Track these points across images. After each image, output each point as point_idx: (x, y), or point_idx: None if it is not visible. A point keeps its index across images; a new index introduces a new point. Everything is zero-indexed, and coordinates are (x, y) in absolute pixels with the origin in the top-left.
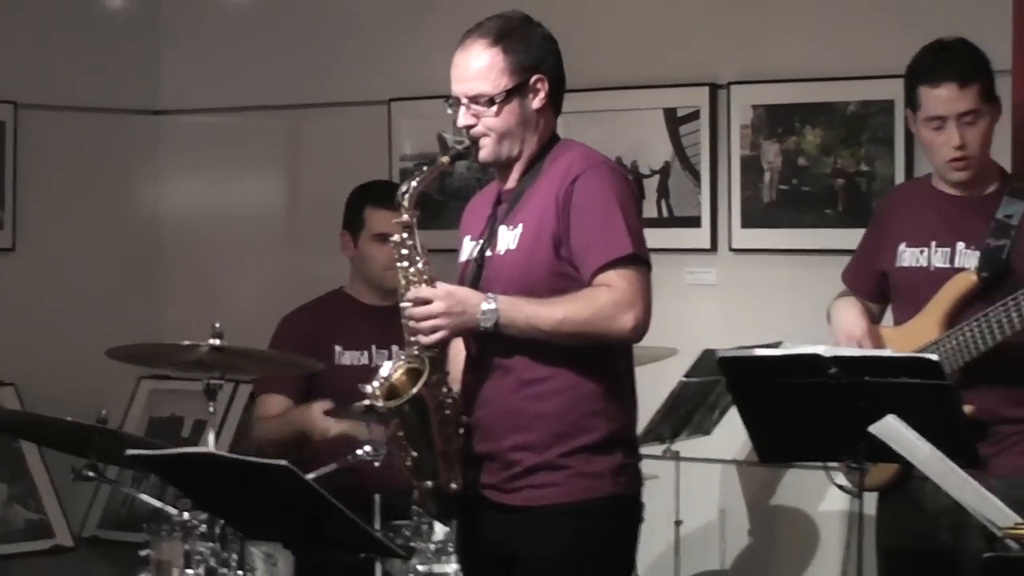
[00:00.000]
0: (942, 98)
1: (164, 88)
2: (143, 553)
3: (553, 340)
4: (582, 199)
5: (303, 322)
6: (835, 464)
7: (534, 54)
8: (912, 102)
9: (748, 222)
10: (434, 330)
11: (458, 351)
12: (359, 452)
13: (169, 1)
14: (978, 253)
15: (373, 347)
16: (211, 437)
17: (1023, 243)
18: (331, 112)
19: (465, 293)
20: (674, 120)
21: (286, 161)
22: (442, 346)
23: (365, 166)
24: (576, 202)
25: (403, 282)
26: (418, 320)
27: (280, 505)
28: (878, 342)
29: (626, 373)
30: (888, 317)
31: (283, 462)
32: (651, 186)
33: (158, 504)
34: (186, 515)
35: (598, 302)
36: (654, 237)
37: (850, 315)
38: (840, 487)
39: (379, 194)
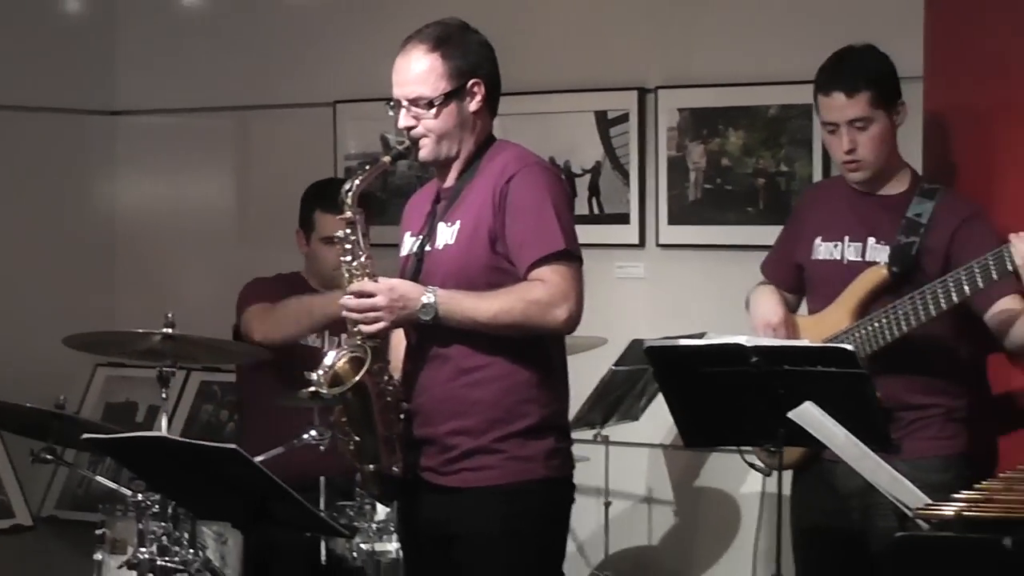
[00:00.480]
0: (832, 106)
1: (121, 90)
2: (99, 532)
3: (490, 332)
4: (517, 197)
5: (270, 284)
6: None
7: (471, 59)
8: (816, 108)
9: (674, 219)
10: (376, 321)
11: (399, 341)
12: (305, 436)
13: (125, 7)
14: (888, 248)
15: (327, 332)
16: (164, 422)
17: (931, 241)
18: (279, 113)
19: (406, 287)
20: (604, 122)
21: (236, 159)
22: (383, 337)
23: (311, 165)
24: (511, 200)
25: (346, 275)
26: (361, 312)
27: (229, 486)
28: (793, 330)
29: (559, 362)
30: (804, 308)
31: (232, 446)
32: (582, 185)
33: (113, 485)
34: (140, 496)
35: (532, 296)
36: (585, 233)
37: (768, 303)
38: (751, 465)
39: (330, 199)
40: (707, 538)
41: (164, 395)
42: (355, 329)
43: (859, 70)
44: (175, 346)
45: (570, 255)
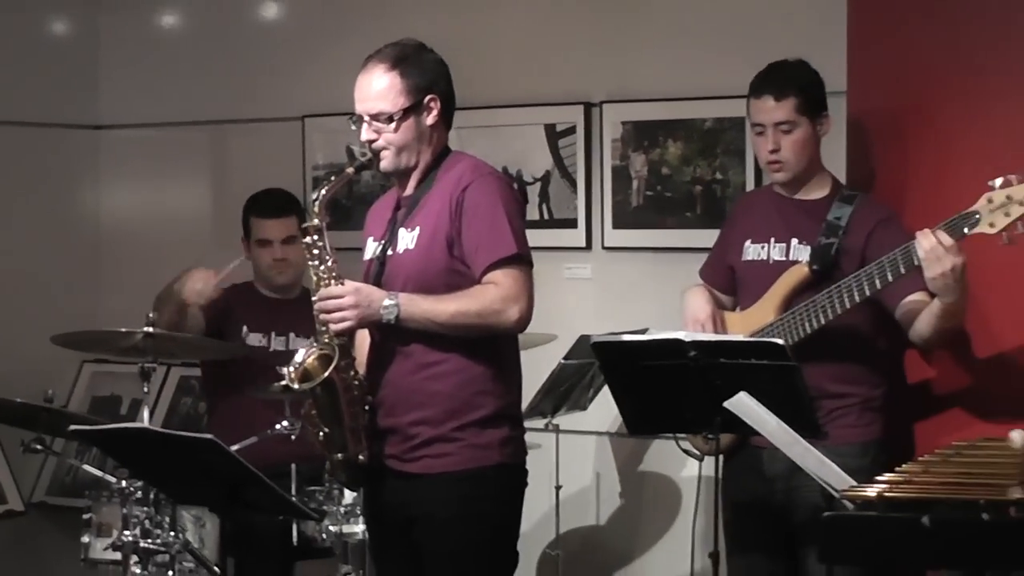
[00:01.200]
0: (762, 108)
1: (103, 106)
2: (86, 516)
3: (447, 332)
4: (472, 205)
5: (221, 298)
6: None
7: (427, 77)
8: (747, 112)
9: (618, 223)
10: (342, 321)
11: (363, 339)
12: (277, 427)
13: (107, 29)
14: (810, 248)
15: (273, 333)
16: (145, 414)
17: (848, 242)
18: (252, 127)
19: (370, 290)
20: (553, 134)
21: (212, 170)
22: (349, 335)
23: (282, 175)
24: (467, 207)
25: (315, 279)
26: (329, 312)
27: (207, 474)
28: (721, 325)
29: (512, 357)
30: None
31: (209, 436)
32: (533, 192)
33: (99, 473)
34: (124, 483)
35: (487, 298)
36: (536, 237)
37: (697, 301)
38: (686, 451)
39: (260, 206)
40: (650, 518)
41: (146, 389)
42: (323, 328)
43: (789, 78)
44: (155, 343)
45: (521, 259)
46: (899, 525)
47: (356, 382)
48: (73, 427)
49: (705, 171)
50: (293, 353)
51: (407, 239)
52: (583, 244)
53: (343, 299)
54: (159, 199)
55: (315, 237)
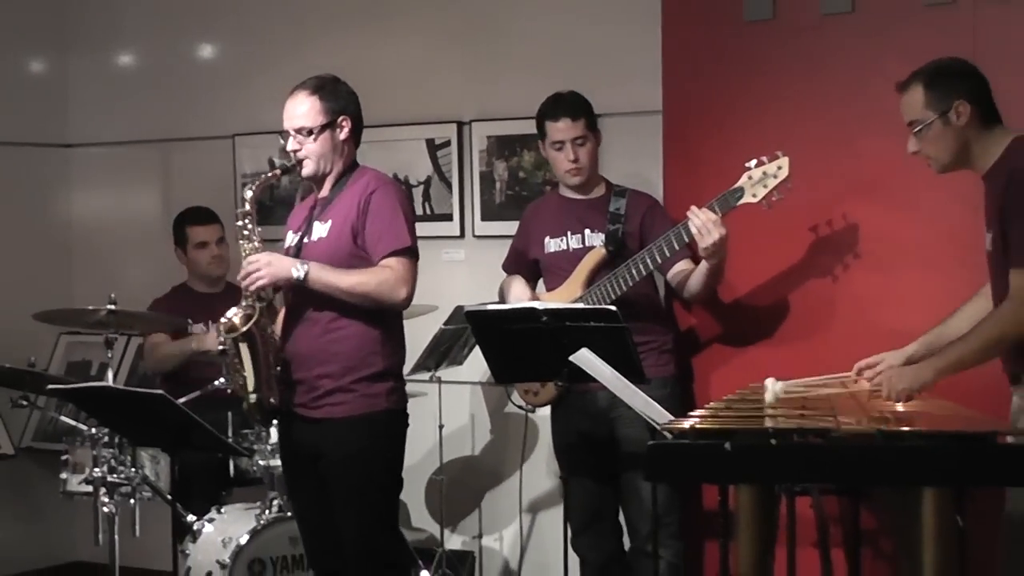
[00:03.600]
0: (561, 128)
1: (72, 127)
2: (64, 458)
3: (347, 299)
4: (376, 205)
5: (166, 300)
6: (512, 390)
7: (341, 102)
8: (541, 133)
9: (486, 217)
10: (258, 280)
11: (283, 315)
12: (216, 383)
13: (75, 64)
14: (602, 235)
15: (211, 322)
16: (110, 375)
17: (629, 226)
18: (192, 144)
19: (281, 256)
20: (433, 147)
21: (162, 180)
22: (268, 298)
23: (217, 183)
24: (372, 208)
25: (244, 254)
26: (248, 275)
27: (159, 421)
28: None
29: (397, 326)
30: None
31: (160, 392)
32: (418, 193)
33: (74, 423)
34: (93, 430)
35: (382, 277)
36: (420, 229)
37: (518, 288)
38: (518, 406)
39: (194, 217)
40: (513, 449)
41: (110, 355)
42: (247, 292)
43: (577, 103)
44: (117, 319)
45: (411, 251)
46: (707, 450)
47: (272, 340)
48: (51, 386)
49: (552, 175)
50: None
51: (321, 230)
52: (458, 233)
53: (259, 260)
54: (118, 203)
55: (245, 221)
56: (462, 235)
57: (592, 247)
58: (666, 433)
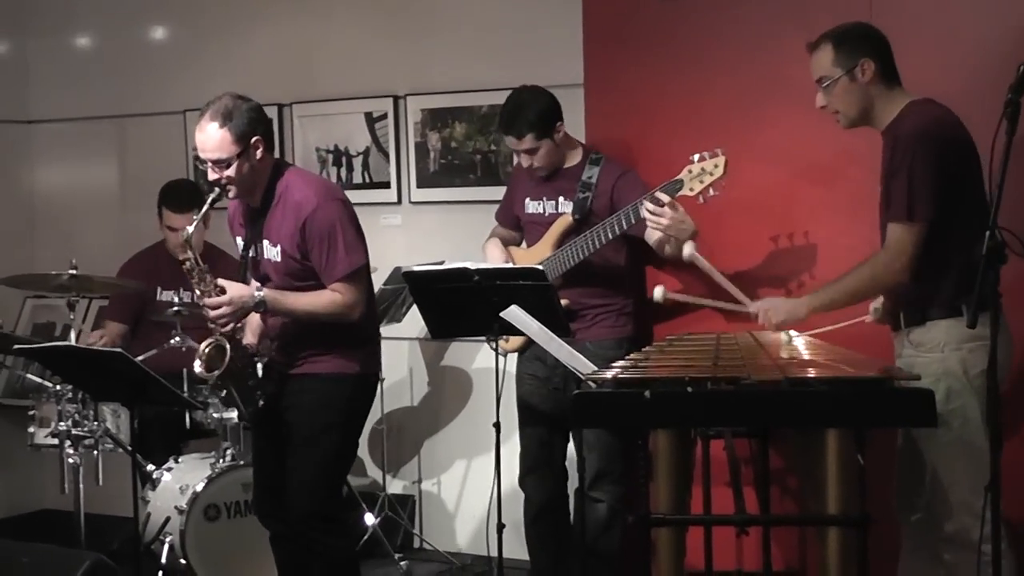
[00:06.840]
0: (510, 144)
1: (33, 105)
2: (31, 413)
3: (303, 320)
4: (318, 231)
5: (139, 261)
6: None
7: (249, 126)
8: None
9: (421, 184)
10: (228, 324)
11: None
12: (171, 342)
13: (35, 45)
14: (572, 204)
15: (181, 288)
16: (72, 335)
17: (599, 194)
18: (146, 119)
19: (240, 294)
20: (371, 120)
21: (117, 153)
22: (235, 331)
23: (169, 157)
24: (313, 233)
25: (198, 292)
26: (216, 320)
27: (119, 378)
28: (512, 261)
29: (372, 307)
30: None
31: (119, 350)
32: (357, 163)
33: (40, 380)
34: (58, 387)
35: (333, 303)
36: (360, 196)
37: (495, 251)
38: (494, 349)
39: (170, 200)
40: (451, 400)
41: (72, 317)
42: (212, 327)
43: (522, 120)
44: (78, 283)
45: (357, 272)
46: (628, 399)
47: (245, 355)
48: (18, 346)
49: (482, 144)
50: (192, 304)
51: (272, 252)
52: (395, 200)
53: (222, 308)
54: (78, 175)
55: (192, 265)
56: (399, 201)
57: (563, 214)
58: (590, 383)
